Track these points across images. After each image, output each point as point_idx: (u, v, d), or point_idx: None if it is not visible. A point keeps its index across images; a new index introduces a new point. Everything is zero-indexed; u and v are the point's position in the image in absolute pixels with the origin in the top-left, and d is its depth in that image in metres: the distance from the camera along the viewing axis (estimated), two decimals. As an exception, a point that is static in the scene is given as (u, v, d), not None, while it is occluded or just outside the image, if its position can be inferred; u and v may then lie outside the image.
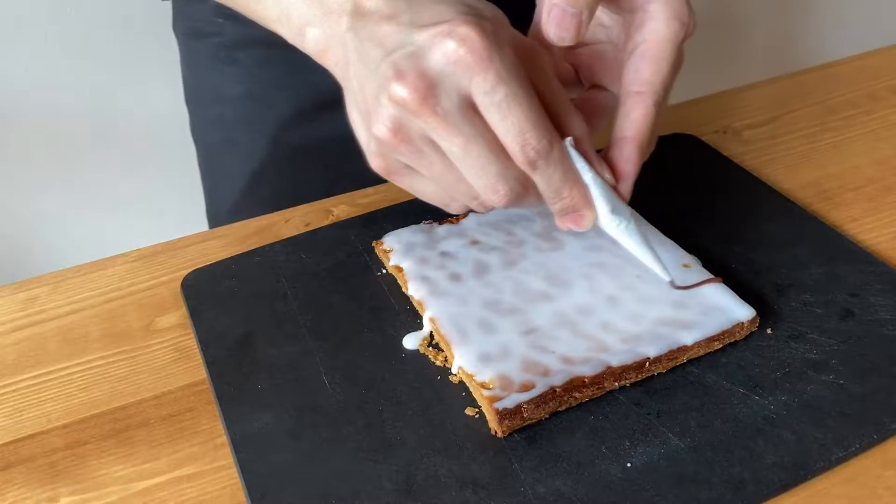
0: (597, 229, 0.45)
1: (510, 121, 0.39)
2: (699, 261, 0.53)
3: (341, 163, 0.73)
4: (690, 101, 0.74)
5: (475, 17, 0.39)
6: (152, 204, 1.25)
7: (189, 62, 0.78)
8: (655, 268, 0.46)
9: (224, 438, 0.45)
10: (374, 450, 0.43)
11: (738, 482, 0.41)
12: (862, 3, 1.73)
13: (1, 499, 0.43)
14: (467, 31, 0.38)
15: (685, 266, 0.52)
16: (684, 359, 0.47)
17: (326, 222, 0.61)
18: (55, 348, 0.52)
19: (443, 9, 0.40)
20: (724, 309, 0.48)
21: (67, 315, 0.54)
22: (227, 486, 0.43)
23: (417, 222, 0.57)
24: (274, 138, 0.73)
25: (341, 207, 0.63)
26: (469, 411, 0.45)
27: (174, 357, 0.51)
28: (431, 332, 0.49)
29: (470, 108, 0.39)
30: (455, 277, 0.52)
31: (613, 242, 0.46)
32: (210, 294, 0.54)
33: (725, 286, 0.50)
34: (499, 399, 0.43)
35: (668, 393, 0.45)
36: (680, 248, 0.53)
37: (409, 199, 0.61)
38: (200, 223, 0.82)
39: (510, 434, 0.44)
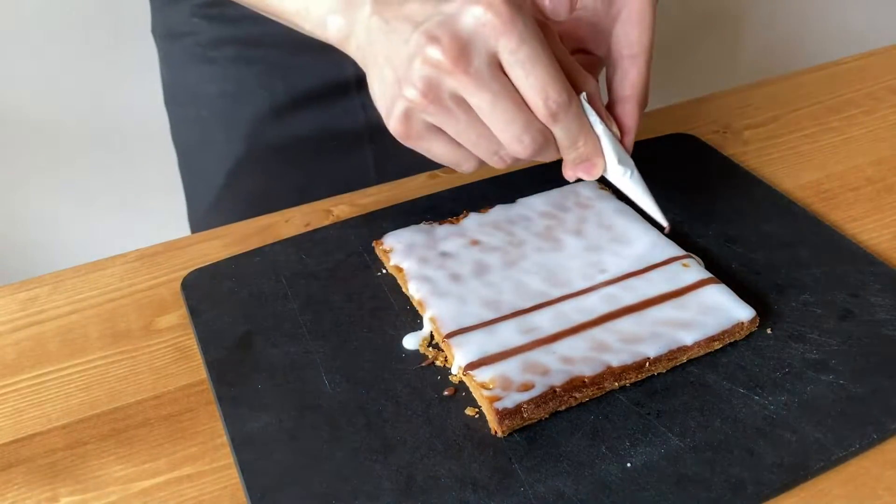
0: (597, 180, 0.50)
1: (534, 76, 0.43)
2: (700, 261, 0.53)
3: (317, 160, 0.74)
4: (690, 101, 0.74)
5: None
6: (152, 204, 1.25)
7: (167, 63, 0.79)
8: (656, 214, 0.50)
9: (224, 438, 0.45)
10: (374, 450, 0.43)
11: (738, 482, 0.41)
12: (862, 3, 1.73)
13: (1, 499, 0.43)
14: None
15: (685, 266, 0.52)
16: (684, 359, 0.47)
17: (326, 222, 0.61)
18: (55, 348, 0.52)
19: None
20: (724, 309, 0.48)
21: (67, 315, 0.54)
22: (227, 486, 0.43)
23: (417, 222, 0.57)
24: (249, 136, 0.74)
25: (341, 207, 0.63)
26: (469, 411, 0.45)
27: (174, 357, 0.51)
28: (431, 332, 0.49)
29: (497, 66, 0.43)
30: (455, 277, 0.52)
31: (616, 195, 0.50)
32: (210, 294, 0.54)
33: (725, 286, 0.50)
34: (499, 399, 0.43)
35: (668, 393, 0.45)
36: (679, 248, 0.53)
37: (409, 199, 0.61)
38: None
39: (510, 434, 0.44)
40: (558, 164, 0.64)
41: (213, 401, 0.47)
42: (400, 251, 0.54)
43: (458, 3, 0.43)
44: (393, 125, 0.46)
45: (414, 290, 0.51)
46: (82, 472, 0.44)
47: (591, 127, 0.46)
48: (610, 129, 0.47)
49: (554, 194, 0.59)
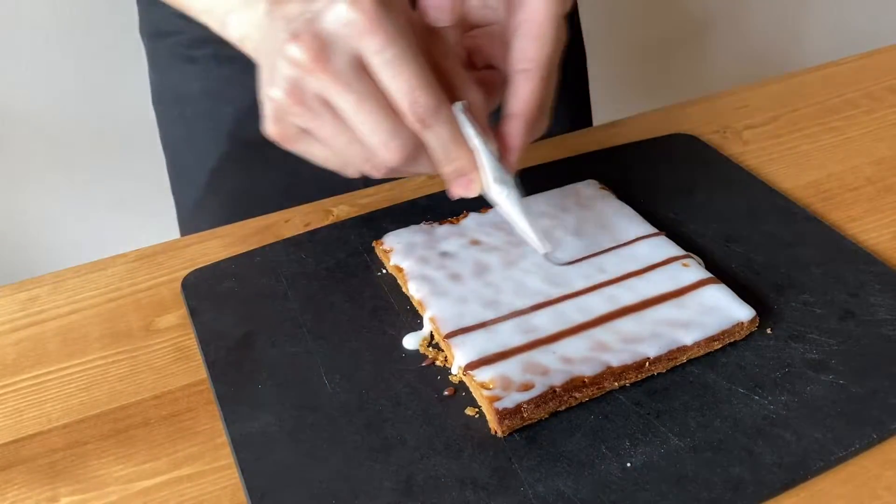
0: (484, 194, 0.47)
1: (400, 80, 0.40)
2: (700, 261, 0.53)
3: (299, 158, 0.74)
4: (690, 101, 0.74)
5: None
6: (152, 204, 1.25)
7: (153, 63, 0.79)
8: (532, 239, 0.48)
9: (224, 438, 0.45)
10: (374, 450, 0.43)
11: (738, 482, 0.41)
12: (862, 3, 1.73)
13: (1, 499, 0.43)
14: None
15: (685, 266, 0.52)
16: (684, 359, 0.47)
17: (326, 222, 0.61)
18: (55, 348, 0.52)
19: None
20: (724, 309, 0.48)
21: (67, 315, 0.54)
22: (227, 486, 0.43)
23: (417, 222, 0.57)
24: (231, 134, 0.74)
25: (341, 207, 0.63)
26: (469, 411, 0.45)
27: (174, 357, 0.51)
28: (431, 332, 0.49)
29: (362, 68, 0.41)
30: (455, 277, 0.52)
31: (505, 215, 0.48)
32: (210, 294, 0.54)
33: (725, 286, 0.50)
34: (499, 399, 0.43)
35: (668, 393, 0.45)
36: (679, 248, 0.53)
37: (410, 199, 0.61)
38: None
39: (510, 434, 0.44)
40: (558, 164, 0.65)
41: (213, 401, 0.47)
42: (400, 251, 0.54)
43: (325, 0, 0.41)
44: (266, 127, 0.44)
45: (414, 290, 0.51)
46: (82, 472, 0.44)
47: (467, 139, 0.44)
48: (487, 145, 0.44)
49: (554, 194, 0.59)
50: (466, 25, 0.50)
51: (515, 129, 0.46)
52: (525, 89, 0.46)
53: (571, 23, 0.85)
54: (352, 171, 0.45)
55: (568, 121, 0.83)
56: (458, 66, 0.45)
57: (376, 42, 0.40)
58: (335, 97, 0.41)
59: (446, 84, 0.44)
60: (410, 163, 0.43)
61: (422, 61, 0.41)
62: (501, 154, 0.46)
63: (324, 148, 0.44)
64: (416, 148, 0.43)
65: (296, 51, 0.40)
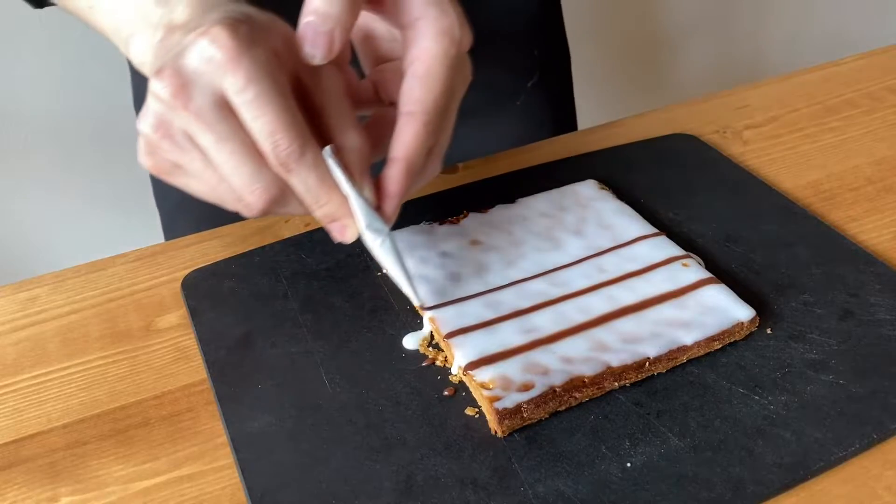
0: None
1: (261, 121, 0.39)
2: (700, 261, 0.53)
3: None
4: (690, 101, 0.74)
5: (235, 20, 0.40)
6: (152, 204, 1.25)
7: (132, 66, 0.78)
8: (408, 290, 0.47)
9: (224, 438, 0.45)
10: (374, 450, 0.43)
11: (738, 482, 0.41)
12: (862, 3, 1.73)
13: (1, 499, 0.43)
14: (219, 32, 0.39)
15: (685, 266, 0.52)
16: (684, 359, 0.47)
17: (326, 222, 0.61)
18: (55, 348, 0.52)
19: (215, 16, 0.40)
20: (724, 309, 0.48)
21: (67, 315, 0.54)
22: (227, 486, 0.43)
23: (417, 222, 0.57)
24: None
25: (341, 207, 0.62)
26: (469, 411, 0.45)
27: (174, 357, 0.51)
28: (431, 332, 0.49)
29: (224, 107, 0.40)
30: (455, 277, 0.52)
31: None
32: (210, 294, 0.54)
33: (725, 286, 0.50)
34: (499, 399, 0.44)
35: (668, 393, 0.45)
36: (679, 248, 0.53)
37: (410, 199, 0.61)
38: (200, 223, 0.82)
39: (510, 434, 0.44)
40: (557, 164, 0.65)
41: (214, 401, 0.47)
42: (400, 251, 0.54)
43: (193, 35, 0.39)
44: (141, 160, 0.43)
45: (414, 290, 0.51)
46: (82, 472, 0.44)
47: (337, 184, 0.42)
48: (360, 192, 0.43)
49: (554, 194, 0.59)
50: (376, 58, 0.49)
51: (394, 175, 0.44)
52: (407, 133, 0.43)
53: (555, 23, 0.84)
54: (231, 208, 0.44)
55: (551, 123, 0.83)
56: (339, 106, 0.43)
57: (236, 81, 0.39)
58: (197, 135, 0.40)
59: (325, 124, 0.43)
60: (279, 205, 0.42)
61: (286, 102, 0.40)
62: (378, 200, 0.44)
63: (199, 183, 0.43)
64: (283, 191, 0.42)
65: (157, 86, 0.39)
